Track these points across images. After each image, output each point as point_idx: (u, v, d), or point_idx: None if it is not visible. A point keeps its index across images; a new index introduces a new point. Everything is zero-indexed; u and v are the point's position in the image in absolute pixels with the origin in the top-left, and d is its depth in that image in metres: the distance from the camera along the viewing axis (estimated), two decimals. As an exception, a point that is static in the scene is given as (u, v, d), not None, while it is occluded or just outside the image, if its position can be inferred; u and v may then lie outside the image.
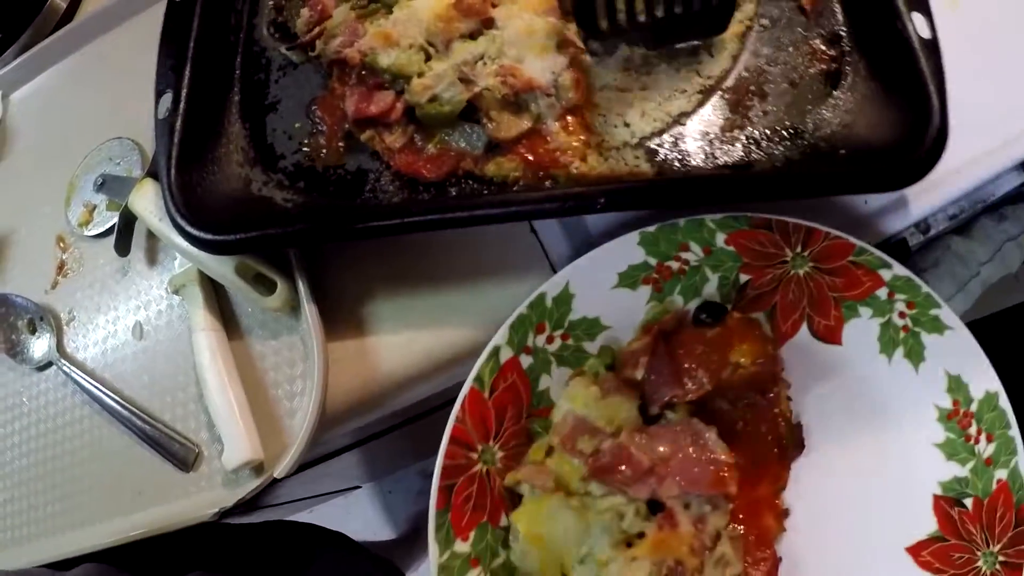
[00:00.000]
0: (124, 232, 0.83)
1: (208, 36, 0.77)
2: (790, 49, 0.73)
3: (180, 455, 0.76)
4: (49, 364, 0.86)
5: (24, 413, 0.87)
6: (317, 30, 0.76)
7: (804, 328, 0.67)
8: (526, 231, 0.73)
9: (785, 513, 0.65)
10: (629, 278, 0.67)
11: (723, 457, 0.61)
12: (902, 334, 0.65)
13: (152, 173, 0.81)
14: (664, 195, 0.64)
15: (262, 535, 0.99)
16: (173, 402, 0.78)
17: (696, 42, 0.73)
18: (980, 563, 0.60)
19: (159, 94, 0.74)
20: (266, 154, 0.74)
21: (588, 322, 0.68)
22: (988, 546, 0.61)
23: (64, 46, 1.03)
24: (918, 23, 0.66)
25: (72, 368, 0.83)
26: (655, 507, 0.62)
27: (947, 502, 0.63)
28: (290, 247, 0.72)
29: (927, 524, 0.63)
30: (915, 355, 0.64)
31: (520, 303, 0.66)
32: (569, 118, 0.68)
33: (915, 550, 0.63)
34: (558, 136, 0.68)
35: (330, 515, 1.83)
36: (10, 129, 1.04)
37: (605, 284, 0.67)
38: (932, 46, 0.66)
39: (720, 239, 0.66)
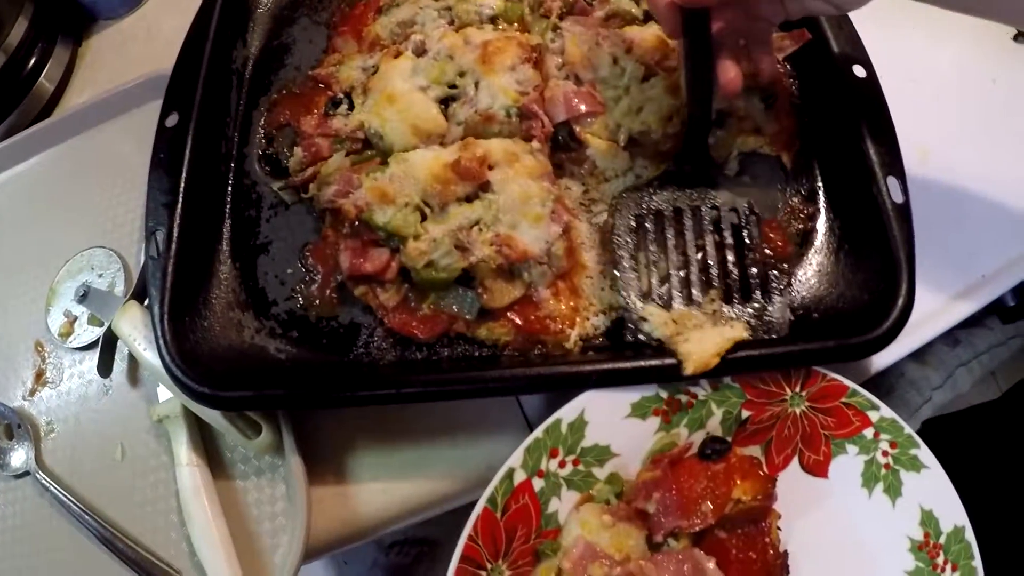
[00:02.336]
0: (106, 351, 0.83)
1: (199, 167, 0.77)
2: (769, 207, 0.75)
3: (160, 580, 0.76)
4: (27, 473, 0.85)
5: (-1, 519, 0.86)
6: (310, 171, 0.77)
7: (795, 462, 0.71)
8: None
9: (769, 638, 0.68)
10: (641, 409, 0.69)
11: None
12: (883, 471, 0.70)
13: (137, 295, 0.82)
14: (649, 374, 0.67)
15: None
16: (155, 528, 0.78)
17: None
18: None
19: (150, 231, 0.74)
20: (258, 299, 0.74)
21: (599, 449, 0.69)
22: None
23: (48, 136, 1.02)
24: (892, 187, 0.69)
25: (50, 482, 0.83)
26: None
27: None
28: (285, 409, 0.73)
29: None
30: (893, 491, 0.70)
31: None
32: (560, 284, 0.70)
33: (885, 672, 0.68)
34: (548, 303, 0.70)
35: (285, 584, 1.81)
36: (-13, 216, 1.02)
37: (618, 413, 0.69)
38: (904, 212, 0.69)
39: (727, 377, 0.70)
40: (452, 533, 0.68)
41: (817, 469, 0.71)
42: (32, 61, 1.08)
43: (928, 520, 0.69)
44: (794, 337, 0.68)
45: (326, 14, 0.93)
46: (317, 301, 0.73)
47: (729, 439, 0.70)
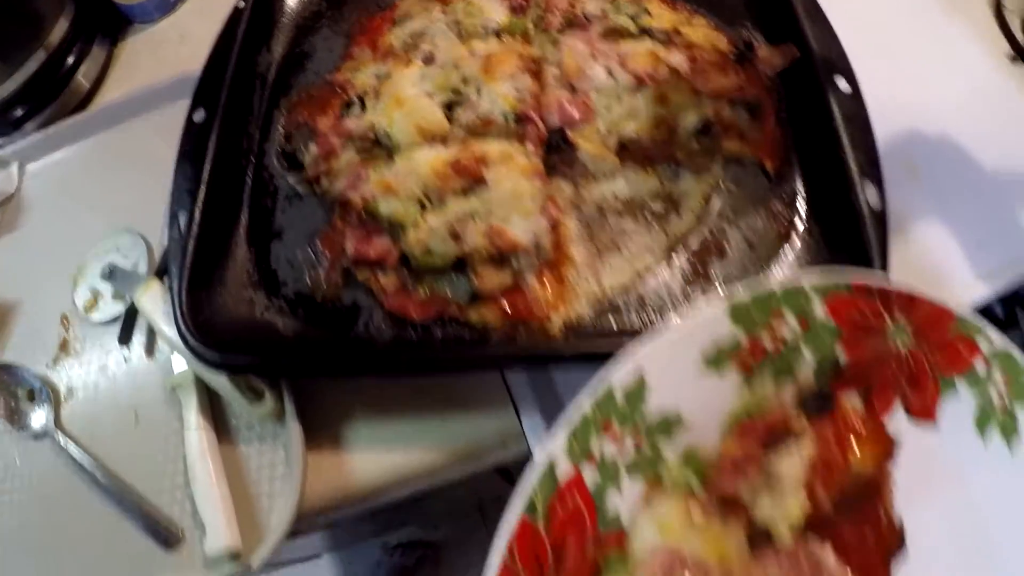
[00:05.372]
0: (127, 325, 0.90)
1: (222, 159, 0.85)
2: (751, 210, 0.80)
3: (164, 535, 0.82)
4: (45, 434, 0.92)
5: (16, 476, 0.92)
6: (324, 166, 0.83)
7: (899, 407, 0.60)
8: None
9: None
10: (716, 360, 0.57)
11: None
12: (998, 411, 0.58)
13: (159, 273, 0.89)
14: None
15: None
16: (161, 488, 0.84)
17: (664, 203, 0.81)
18: None
19: (174, 215, 0.80)
20: (269, 279, 0.81)
21: (666, 419, 0.56)
22: None
23: (83, 128, 1.09)
24: (870, 193, 0.74)
25: (68, 441, 0.89)
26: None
27: None
28: (287, 377, 0.79)
29: None
30: (1008, 432, 0.58)
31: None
32: (547, 273, 0.76)
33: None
34: (534, 289, 0.75)
35: (290, 583, 1.84)
36: (25, 200, 1.09)
37: (686, 370, 0.57)
38: (880, 217, 0.73)
39: (819, 308, 0.59)
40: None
41: (924, 413, 0.59)
42: (70, 59, 1.15)
43: None
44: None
45: (345, 25, 1.00)
46: (323, 284, 0.79)
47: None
